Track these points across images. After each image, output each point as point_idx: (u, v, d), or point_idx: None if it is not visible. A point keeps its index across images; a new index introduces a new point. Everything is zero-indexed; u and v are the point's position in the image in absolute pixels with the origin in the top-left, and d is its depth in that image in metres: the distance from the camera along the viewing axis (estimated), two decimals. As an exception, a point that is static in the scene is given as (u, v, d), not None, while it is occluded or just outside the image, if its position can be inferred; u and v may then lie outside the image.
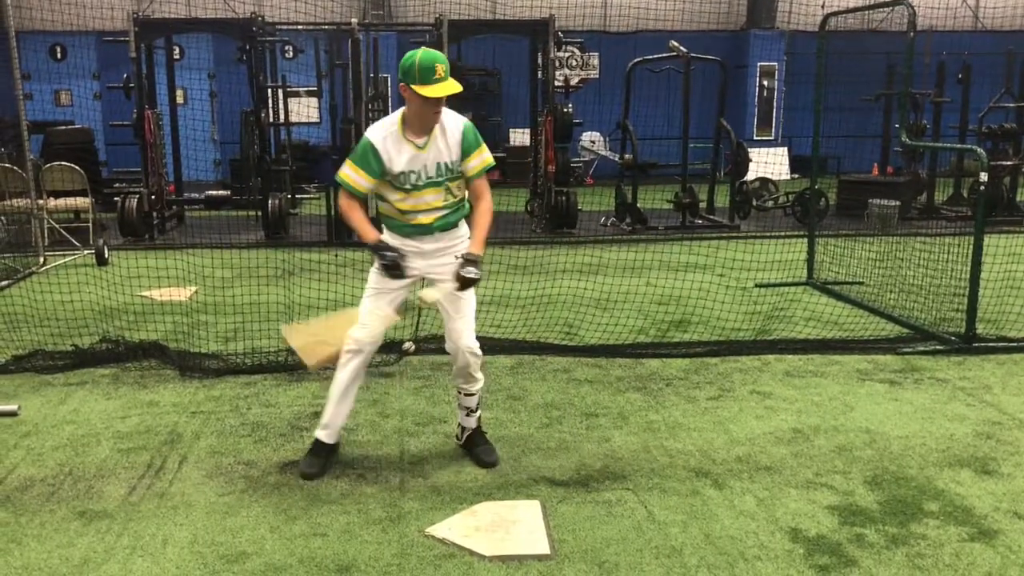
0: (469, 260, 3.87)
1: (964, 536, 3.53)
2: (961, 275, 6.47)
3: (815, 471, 4.13)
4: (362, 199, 3.98)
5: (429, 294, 3.96)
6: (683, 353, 5.96)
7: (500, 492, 3.92)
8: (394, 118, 3.93)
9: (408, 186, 3.90)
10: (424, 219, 3.97)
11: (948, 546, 3.45)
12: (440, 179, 3.91)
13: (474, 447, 4.29)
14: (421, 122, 3.84)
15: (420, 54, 3.74)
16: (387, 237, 4.08)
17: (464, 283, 3.86)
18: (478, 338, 4.14)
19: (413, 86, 3.71)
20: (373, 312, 4.05)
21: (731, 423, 4.74)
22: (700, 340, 6.30)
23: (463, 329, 4.05)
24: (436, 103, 3.78)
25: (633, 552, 3.41)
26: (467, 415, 4.29)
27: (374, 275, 4.07)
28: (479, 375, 4.17)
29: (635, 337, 6.39)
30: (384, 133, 3.89)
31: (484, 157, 3.98)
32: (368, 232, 3.95)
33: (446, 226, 4.02)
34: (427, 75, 3.70)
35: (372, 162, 3.87)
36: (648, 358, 5.88)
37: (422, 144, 3.87)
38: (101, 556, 3.39)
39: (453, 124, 3.92)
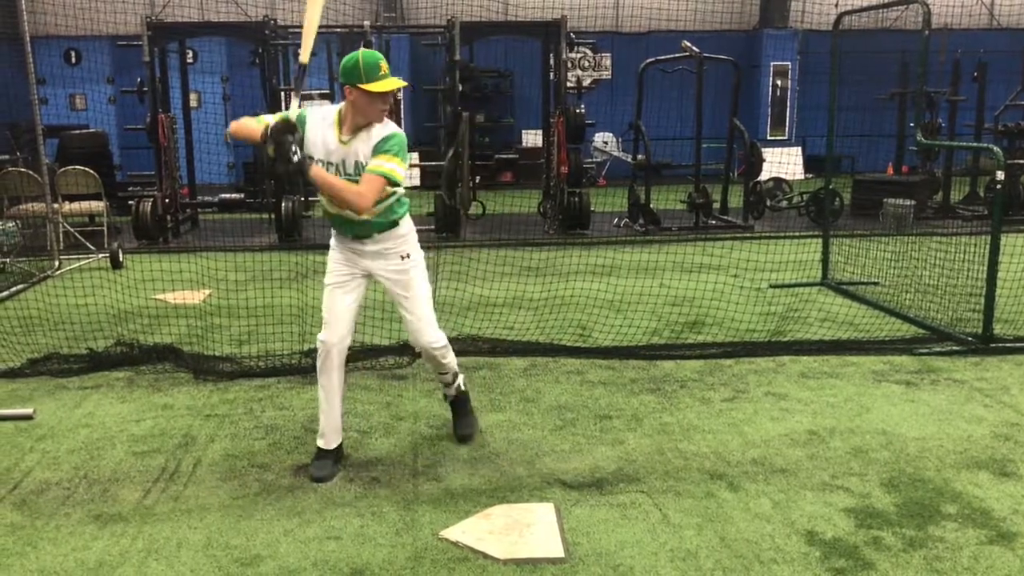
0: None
1: (982, 539, 3.49)
2: (978, 275, 6.42)
3: (831, 473, 4.11)
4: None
5: None
6: (697, 354, 5.94)
7: (514, 495, 3.91)
8: (333, 110, 4.00)
9: None
10: (352, 216, 3.98)
11: (966, 549, 3.42)
12: (356, 176, 3.91)
13: (455, 417, 4.58)
14: (364, 118, 3.89)
15: (362, 54, 3.86)
16: (333, 240, 4.20)
17: None
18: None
19: (360, 85, 3.80)
20: (333, 309, 4.12)
21: (746, 425, 4.71)
22: (714, 341, 6.28)
23: (421, 328, 4.23)
24: (383, 98, 3.87)
25: (648, 555, 3.40)
26: (446, 387, 4.54)
27: (329, 270, 4.16)
28: (448, 360, 4.36)
29: (649, 338, 6.37)
30: (321, 116, 3.98)
31: (383, 164, 3.86)
32: (254, 130, 3.85)
33: (380, 227, 4.06)
34: (372, 72, 3.80)
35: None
36: (662, 360, 5.85)
37: (346, 140, 3.93)
38: (116, 559, 3.40)
39: (382, 130, 3.93)
